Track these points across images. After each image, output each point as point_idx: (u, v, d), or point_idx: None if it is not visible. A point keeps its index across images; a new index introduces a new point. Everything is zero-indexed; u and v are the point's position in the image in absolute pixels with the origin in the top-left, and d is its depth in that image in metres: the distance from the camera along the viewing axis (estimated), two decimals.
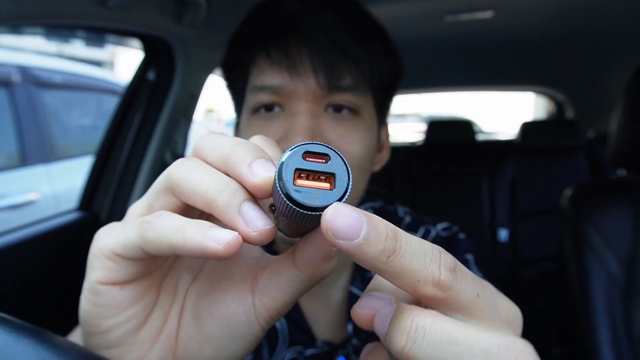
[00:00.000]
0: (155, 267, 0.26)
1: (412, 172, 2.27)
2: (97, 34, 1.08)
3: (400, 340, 0.19)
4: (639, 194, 0.98)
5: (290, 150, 0.20)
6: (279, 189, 0.19)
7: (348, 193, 0.20)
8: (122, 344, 0.25)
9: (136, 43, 1.17)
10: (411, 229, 0.67)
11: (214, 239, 0.20)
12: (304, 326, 0.60)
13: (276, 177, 0.20)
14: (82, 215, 1.21)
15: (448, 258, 0.20)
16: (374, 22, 0.59)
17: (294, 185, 0.19)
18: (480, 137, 2.51)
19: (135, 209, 0.26)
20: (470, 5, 1.29)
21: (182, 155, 1.33)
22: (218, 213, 0.22)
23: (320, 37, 0.51)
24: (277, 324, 0.60)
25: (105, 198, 1.23)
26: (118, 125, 1.24)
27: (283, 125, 0.52)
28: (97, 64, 10.30)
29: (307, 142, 0.20)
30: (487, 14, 1.35)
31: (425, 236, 0.67)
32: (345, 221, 0.18)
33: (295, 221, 0.20)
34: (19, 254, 0.99)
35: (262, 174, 0.22)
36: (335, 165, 0.20)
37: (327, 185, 0.20)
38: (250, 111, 0.55)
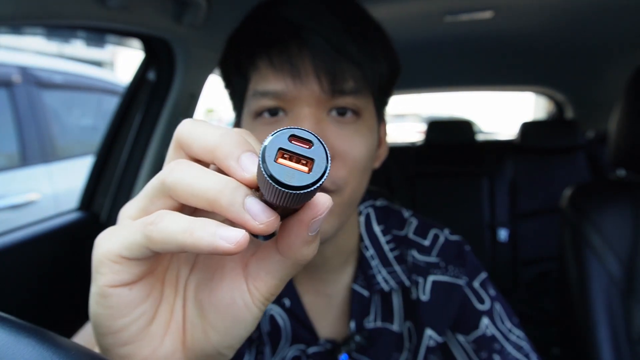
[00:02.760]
0: (158, 264, 0.27)
1: (412, 173, 2.27)
2: (97, 34, 1.08)
3: None
4: (639, 194, 0.98)
5: (279, 131, 0.21)
6: (260, 165, 0.21)
7: (323, 180, 0.21)
8: (135, 340, 0.26)
9: (136, 43, 1.17)
10: (419, 232, 0.67)
11: (224, 238, 0.22)
12: (306, 324, 0.60)
13: (260, 155, 0.21)
14: (82, 215, 1.21)
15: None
16: (373, 23, 0.59)
17: (275, 162, 0.20)
18: (480, 137, 2.51)
19: (128, 212, 0.26)
20: (470, 6, 1.29)
21: None
22: (222, 211, 0.22)
23: (322, 43, 0.51)
24: (280, 322, 0.60)
25: (105, 198, 1.23)
26: (118, 125, 1.24)
27: None
28: (97, 64, 10.30)
29: (294, 127, 0.21)
30: (487, 14, 1.35)
31: (434, 240, 0.66)
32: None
33: (276, 199, 0.21)
34: (19, 254, 0.99)
35: (251, 169, 0.23)
36: (316, 152, 0.21)
37: (305, 168, 0.21)
38: (253, 115, 0.55)
